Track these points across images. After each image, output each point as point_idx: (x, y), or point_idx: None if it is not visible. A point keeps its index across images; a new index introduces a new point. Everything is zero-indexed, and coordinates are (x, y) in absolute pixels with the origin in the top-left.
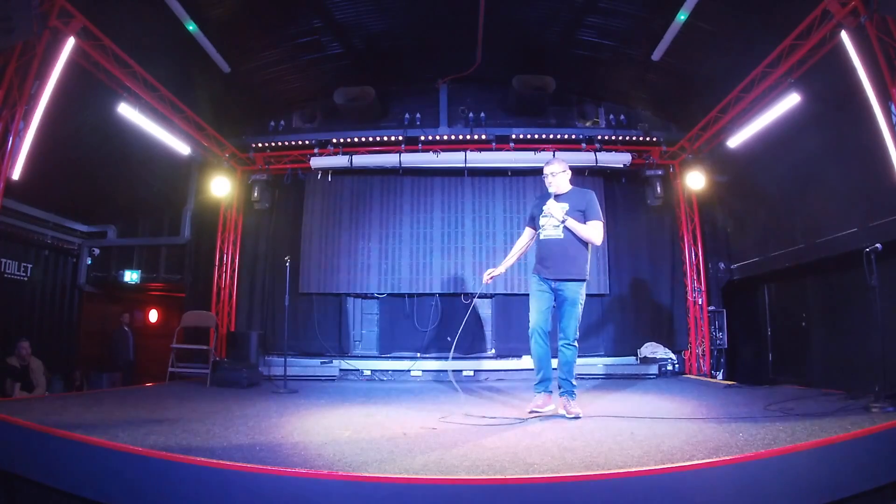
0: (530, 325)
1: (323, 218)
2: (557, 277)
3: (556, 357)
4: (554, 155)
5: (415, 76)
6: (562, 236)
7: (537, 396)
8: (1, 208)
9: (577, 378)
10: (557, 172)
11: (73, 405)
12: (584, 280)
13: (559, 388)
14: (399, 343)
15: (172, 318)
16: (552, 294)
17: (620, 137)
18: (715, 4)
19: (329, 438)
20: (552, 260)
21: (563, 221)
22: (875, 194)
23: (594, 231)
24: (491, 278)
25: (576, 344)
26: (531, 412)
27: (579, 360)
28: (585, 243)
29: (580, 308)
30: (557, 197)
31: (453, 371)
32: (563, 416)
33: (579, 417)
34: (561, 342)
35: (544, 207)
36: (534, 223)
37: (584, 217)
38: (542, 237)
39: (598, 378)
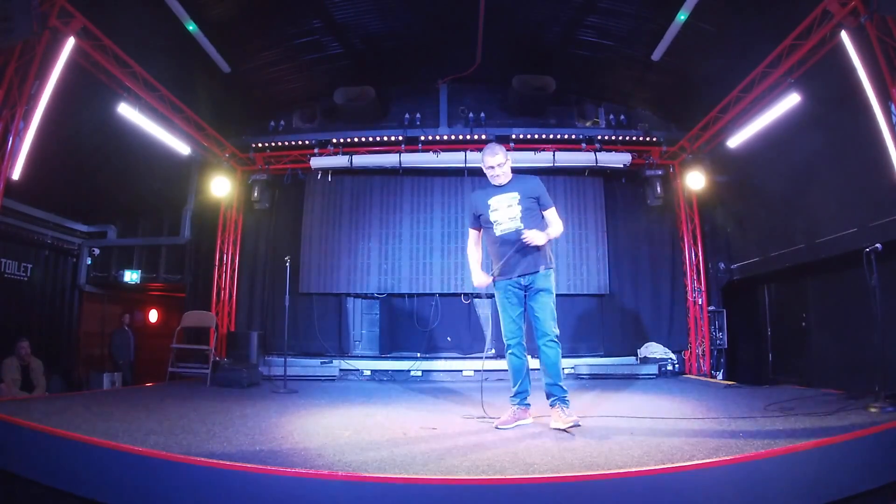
0: (505, 338)
1: (323, 218)
2: (527, 272)
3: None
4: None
5: (415, 76)
6: (522, 227)
7: (511, 409)
8: (1, 208)
9: (575, 378)
10: (504, 163)
11: (73, 405)
12: (553, 268)
13: (548, 396)
14: (399, 343)
15: (172, 318)
16: (521, 292)
17: (620, 137)
18: (715, 4)
19: (329, 438)
20: (516, 255)
21: (536, 247)
22: (875, 194)
23: (557, 225)
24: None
25: (558, 340)
26: (498, 428)
27: (579, 361)
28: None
29: (553, 297)
30: (503, 187)
31: (451, 371)
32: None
33: (578, 425)
34: (540, 340)
35: (494, 199)
36: (479, 223)
37: (538, 204)
38: (499, 233)
39: (598, 378)
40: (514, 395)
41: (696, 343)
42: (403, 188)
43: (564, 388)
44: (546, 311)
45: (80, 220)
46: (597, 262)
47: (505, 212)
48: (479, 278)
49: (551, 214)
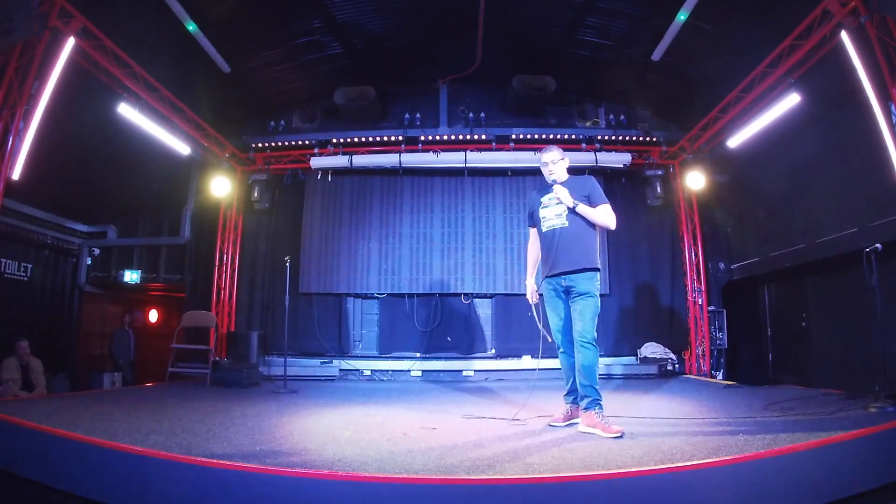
0: (554, 338)
1: (323, 218)
2: (566, 270)
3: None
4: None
5: (415, 76)
6: (566, 224)
7: (565, 408)
8: (1, 208)
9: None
10: (558, 160)
11: (73, 405)
12: (596, 269)
13: (581, 398)
14: (399, 343)
15: (172, 318)
16: (564, 291)
17: (620, 137)
18: (715, 4)
19: (329, 438)
20: (558, 252)
21: (574, 206)
22: (875, 194)
23: (607, 214)
24: (536, 297)
25: (595, 344)
26: (550, 425)
27: None
28: (594, 230)
29: (597, 301)
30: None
31: (452, 371)
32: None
33: (622, 436)
34: (576, 342)
35: (546, 196)
36: (534, 220)
37: (589, 203)
38: (544, 230)
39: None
40: (567, 394)
41: (696, 343)
42: (403, 188)
43: (600, 391)
44: (586, 314)
45: (80, 220)
46: None
47: (553, 209)
48: (529, 290)
49: (604, 208)
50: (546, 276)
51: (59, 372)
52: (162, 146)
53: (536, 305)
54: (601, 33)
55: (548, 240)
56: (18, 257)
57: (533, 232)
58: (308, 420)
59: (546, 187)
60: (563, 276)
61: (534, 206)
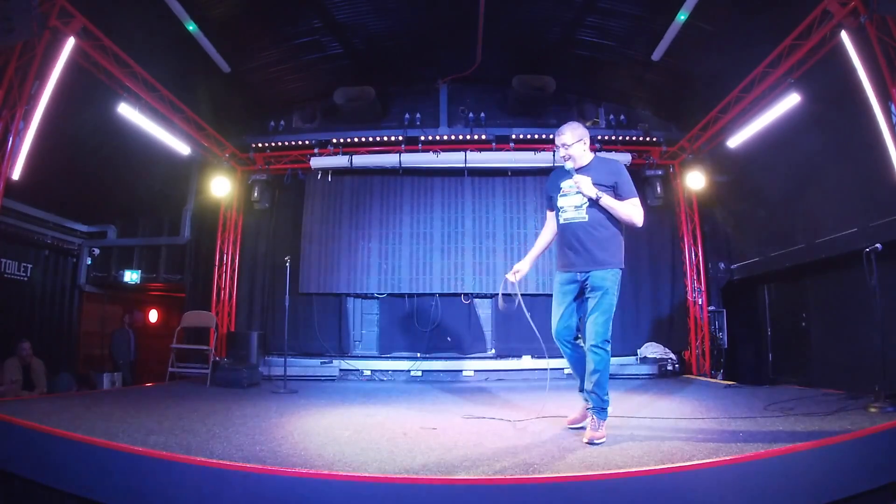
0: (553, 333)
1: (323, 218)
2: (584, 269)
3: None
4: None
5: (415, 76)
6: (586, 218)
7: (582, 405)
8: (1, 208)
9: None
10: (571, 143)
11: (73, 405)
12: (618, 268)
13: (586, 400)
14: (399, 343)
15: (172, 318)
16: (577, 287)
17: (620, 137)
18: (715, 4)
19: (329, 438)
20: (577, 248)
21: (597, 199)
22: (875, 194)
23: (635, 209)
24: (517, 277)
25: (607, 348)
26: (569, 427)
27: None
28: (618, 225)
29: (613, 300)
30: (578, 171)
31: (452, 371)
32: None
33: (596, 444)
34: (586, 344)
35: (566, 183)
36: (552, 204)
37: (614, 194)
38: (562, 221)
39: None
40: (581, 391)
41: (696, 343)
42: (403, 188)
43: (605, 398)
44: (597, 312)
45: (80, 220)
46: None
47: (572, 199)
48: (513, 270)
49: (632, 202)
50: (560, 269)
51: (60, 372)
52: (162, 146)
53: (513, 285)
54: (601, 33)
55: (563, 235)
56: (18, 257)
57: (550, 216)
58: (308, 420)
59: (565, 170)
60: (579, 273)
61: (552, 190)
